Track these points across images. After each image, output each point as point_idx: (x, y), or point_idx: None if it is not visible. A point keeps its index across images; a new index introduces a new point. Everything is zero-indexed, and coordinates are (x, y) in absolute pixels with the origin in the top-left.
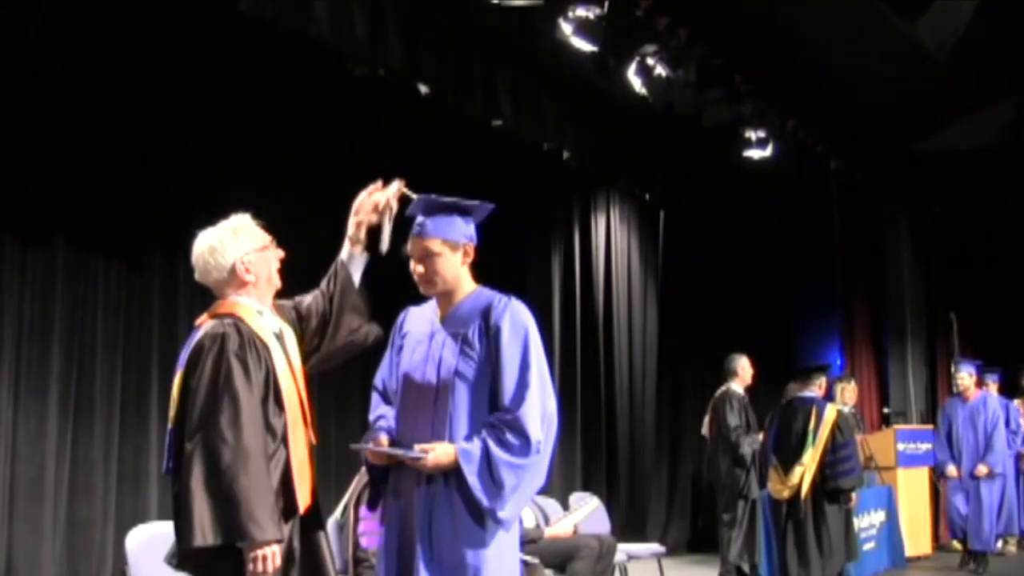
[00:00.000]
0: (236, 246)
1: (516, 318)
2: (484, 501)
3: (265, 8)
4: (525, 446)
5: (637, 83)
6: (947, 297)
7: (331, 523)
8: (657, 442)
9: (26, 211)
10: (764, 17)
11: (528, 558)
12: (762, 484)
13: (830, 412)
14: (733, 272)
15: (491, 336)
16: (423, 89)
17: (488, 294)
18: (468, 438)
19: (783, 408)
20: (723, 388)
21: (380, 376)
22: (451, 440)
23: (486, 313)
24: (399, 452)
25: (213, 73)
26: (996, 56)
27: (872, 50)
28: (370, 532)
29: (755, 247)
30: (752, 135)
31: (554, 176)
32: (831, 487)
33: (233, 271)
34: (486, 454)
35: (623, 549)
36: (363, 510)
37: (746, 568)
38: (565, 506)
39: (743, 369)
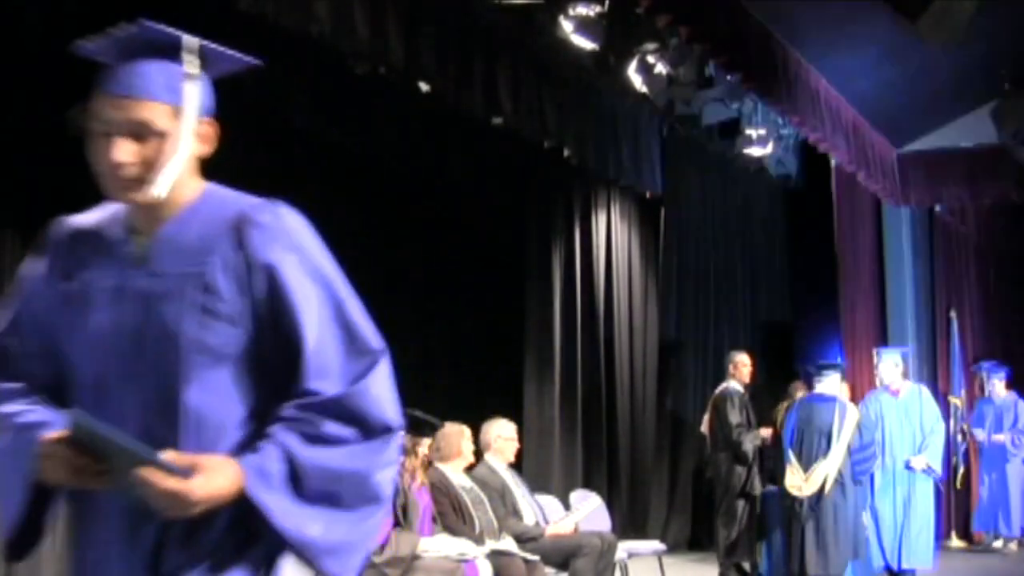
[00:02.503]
0: None
1: (293, 235)
2: (314, 545)
3: (265, 6)
4: (362, 435)
5: (637, 81)
6: (947, 295)
7: None
8: (658, 440)
9: (26, 210)
10: (765, 15)
11: (529, 556)
12: (769, 481)
13: (852, 412)
14: (733, 270)
15: (254, 271)
16: (424, 87)
17: (228, 198)
18: (239, 450)
19: (800, 406)
20: (723, 386)
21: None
22: None
23: (236, 232)
24: (151, 460)
25: None
26: (997, 53)
27: (872, 48)
28: None
29: (755, 245)
30: (752, 133)
31: (554, 174)
32: (856, 480)
33: None
34: (291, 463)
35: (624, 547)
36: None
37: (746, 566)
38: (566, 504)
39: (736, 367)
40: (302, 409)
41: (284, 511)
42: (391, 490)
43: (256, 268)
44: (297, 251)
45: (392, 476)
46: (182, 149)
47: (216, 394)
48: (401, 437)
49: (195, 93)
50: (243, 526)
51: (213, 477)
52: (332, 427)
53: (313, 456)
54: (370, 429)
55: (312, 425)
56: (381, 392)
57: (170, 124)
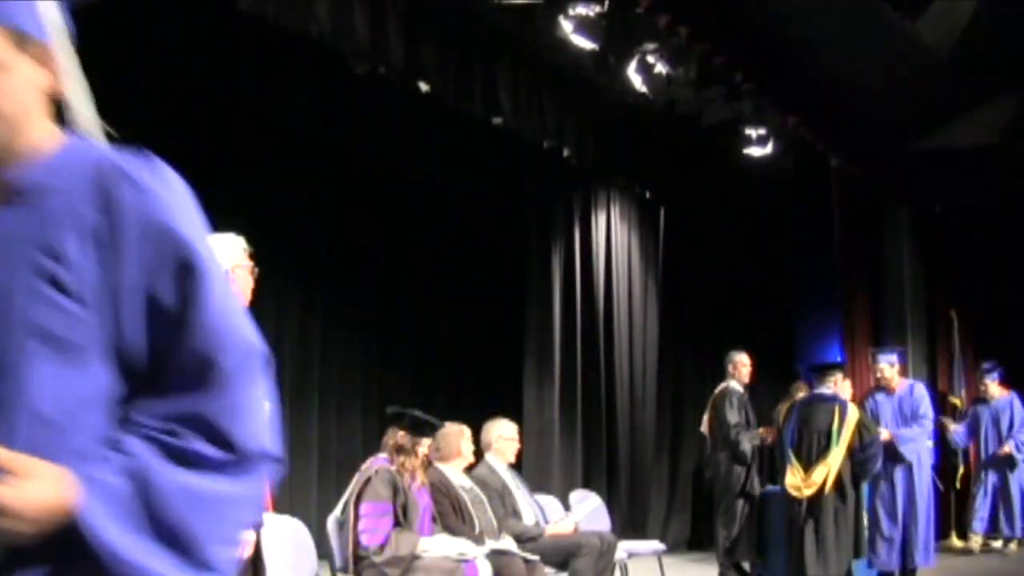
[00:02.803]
0: (235, 256)
1: (181, 203)
2: None
3: (265, 6)
4: (230, 460)
5: (637, 81)
6: (947, 295)
7: (331, 521)
8: (657, 440)
9: None
10: (765, 15)
11: (529, 556)
12: (769, 481)
13: (852, 412)
14: (733, 270)
15: (127, 241)
16: (423, 87)
17: (90, 150)
18: (80, 461)
19: (801, 406)
20: (722, 386)
21: None
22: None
23: (102, 191)
24: None
25: (212, 71)
26: (997, 53)
27: (872, 48)
28: (371, 530)
29: (755, 245)
30: (752, 133)
31: (554, 174)
32: (859, 480)
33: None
34: (143, 482)
35: (624, 547)
36: (363, 507)
37: (746, 566)
38: (566, 504)
39: (734, 367)
40: (167, 419)
41: (123, 542)
42: (242, 535)
43: (131, 238)
44: (186, 224)
45: (251, 519)
46: (24, 85)
47: (57, 386)
48: (269, 471)
49: (49, 13)
50: (67, 559)
51: (38, 485)
52: (200, 445)
53: (172, 478)
54: (241, 455)
55: (174, 435)
56: (257, 408)
57: (8, 53)
